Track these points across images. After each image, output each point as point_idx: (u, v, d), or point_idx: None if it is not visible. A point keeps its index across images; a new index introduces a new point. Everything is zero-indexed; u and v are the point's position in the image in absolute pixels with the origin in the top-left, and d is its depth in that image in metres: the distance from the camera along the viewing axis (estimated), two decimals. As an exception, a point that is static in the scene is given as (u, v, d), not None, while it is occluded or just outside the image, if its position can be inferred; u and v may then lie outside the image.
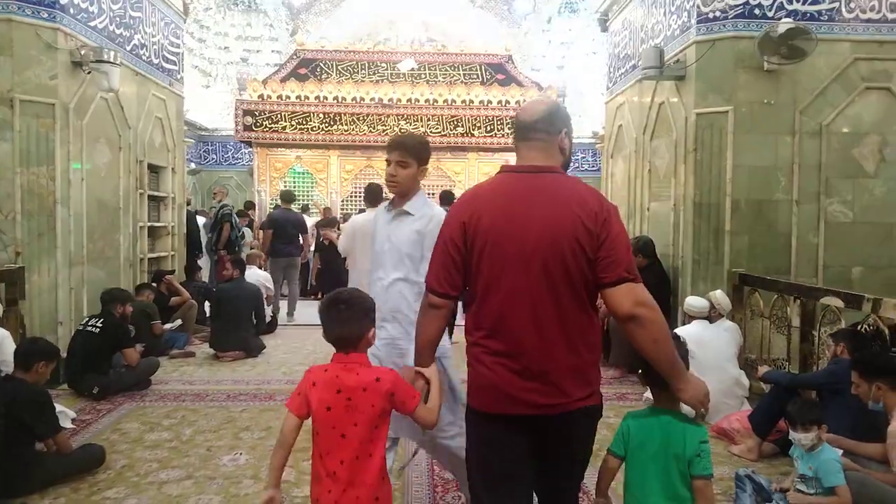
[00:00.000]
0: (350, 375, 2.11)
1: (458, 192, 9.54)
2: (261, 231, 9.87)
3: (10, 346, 4.48)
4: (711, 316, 5.04)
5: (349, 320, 2.15)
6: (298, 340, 7.74)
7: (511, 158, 11.39)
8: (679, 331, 4.99)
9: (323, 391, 2.11)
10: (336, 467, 2.08)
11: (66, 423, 4.39)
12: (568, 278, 1.96)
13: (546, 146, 2.13)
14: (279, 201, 9.72)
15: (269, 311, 8.06)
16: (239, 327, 6.89)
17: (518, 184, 2.07)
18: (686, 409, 2.20)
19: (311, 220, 11.60)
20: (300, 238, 9.27)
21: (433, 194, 12.58)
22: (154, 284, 7.26)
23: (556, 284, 1.96)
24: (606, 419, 4.90)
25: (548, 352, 1.97)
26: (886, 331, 3.95)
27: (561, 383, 1.98)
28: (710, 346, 4.81)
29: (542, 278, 1.96)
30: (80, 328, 5.42)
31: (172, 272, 7.83)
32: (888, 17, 5.77)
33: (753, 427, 4.15)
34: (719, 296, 5.14)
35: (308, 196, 12.90)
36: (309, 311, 9.48)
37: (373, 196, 6.26)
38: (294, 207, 9.88)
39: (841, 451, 3.28)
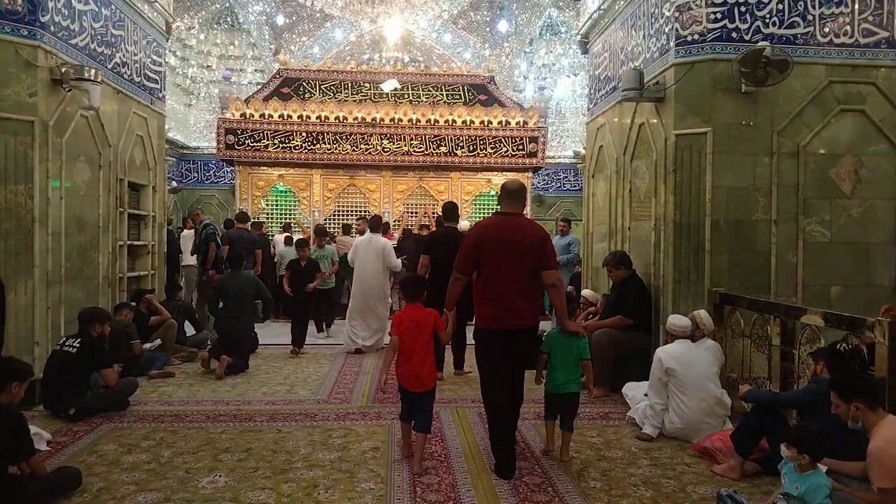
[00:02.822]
0: (416, 313, 4.30)
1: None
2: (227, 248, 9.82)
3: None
4: (694, 335, 5.06)
5: (420, 287, 4.50)
6: (280, 360, 7.67)
7: (492, 177, 11.65)
8: (661, 350, 5.02)
9: (405, 321, 4.26)
10: (414, 356, 4.19)
11: (41, 446, 4.30)
12: (529, 266, 4.19)
13: (518, 204, 4.43)
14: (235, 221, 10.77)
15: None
16: (244, 312, 7.42)
17: (505, 220, 4.32)
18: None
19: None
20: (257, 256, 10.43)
21: (415, 213, 12.66)
22: (133, 303, 7.18)
23: (524, 269, 4.19)
24: (589, 437, 4.91)
25: (518, 300, 4.18)
26: (865, 350, 4.00)
27: (523, 314, 4.20)
28: (693, 365, 4.83)
29: (517, 266, 4.18)
30: (57, 348, 5.33)
31: (152, 291, 7.74)
32: (860, 42, 5.90)
33: (735, 446, 4.15)
34: (703, 315, 5.17)
35: (291, 215, 12.86)
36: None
37: (375, 224, 8.70)
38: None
39: (825, 469, 3.29)
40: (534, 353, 4.38)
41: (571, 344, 4.39)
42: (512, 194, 4.40)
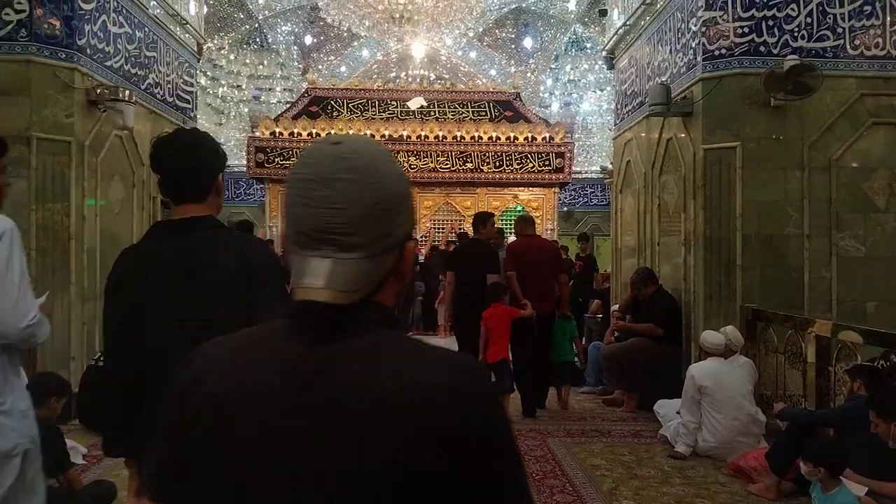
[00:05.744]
0: (501, 309, 5.83)
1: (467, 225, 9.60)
2: None
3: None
4: (725, 352, 4.99)
5: (501, 291, 5.99)
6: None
7: (519, 193, 11.65)
8: (695, 367, 4.95)
9: (494, 314, 5.77)
10: (496, 336, 5.75)
11: (77, 459, 4.36)
12: (547, 271, 6.17)
13: (532, 228, 6.64)
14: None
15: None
16: None
17: (529, 240, 6.45)
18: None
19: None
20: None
21: (442, 230, 12.70)
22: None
23: (542, 273, 6.12)
24: (621, 455, 4.85)
25: (543, 293, 6.07)
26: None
27: (545, 303, 6.08)
28: (727, 383, 4.75)
29: (538, 271, 6.07)
30: (92, 363, 5.42)
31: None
32: (893, 54, 5.82)
33: (771, 465, 4.06)
34: (730, 331, 5.10)
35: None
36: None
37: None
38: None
39: (865, 490, 3.22)
40: (550, 327, 6.26)
41: (566, 327, 6.38)
42: (526, 222, 6.62)
